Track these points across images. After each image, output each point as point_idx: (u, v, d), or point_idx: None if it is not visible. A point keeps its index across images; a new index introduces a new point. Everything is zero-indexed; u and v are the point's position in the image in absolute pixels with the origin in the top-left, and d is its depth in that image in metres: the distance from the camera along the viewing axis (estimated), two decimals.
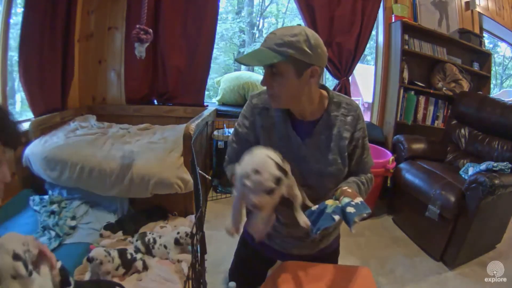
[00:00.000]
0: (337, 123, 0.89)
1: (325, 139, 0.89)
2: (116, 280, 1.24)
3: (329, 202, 0.79)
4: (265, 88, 0.85)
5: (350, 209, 0.73)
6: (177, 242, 1.40)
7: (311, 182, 0.90)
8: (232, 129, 1.01)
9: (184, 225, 1.64)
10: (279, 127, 0.90)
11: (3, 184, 0.67)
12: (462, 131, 2.57)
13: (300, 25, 0.83)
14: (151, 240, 1.44)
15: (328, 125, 0.89)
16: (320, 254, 1.04)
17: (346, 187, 0.84)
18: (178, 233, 1.41)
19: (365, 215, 0.73)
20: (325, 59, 0.82)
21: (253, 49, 0.80)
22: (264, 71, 0.82)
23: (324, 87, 0.93)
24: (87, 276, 1.25)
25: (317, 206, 0.79)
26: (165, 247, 1.42)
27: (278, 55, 0.76)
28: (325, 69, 2.95)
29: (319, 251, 1.03)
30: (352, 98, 3.52)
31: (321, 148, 0.89)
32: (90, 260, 1.22)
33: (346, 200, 0.76)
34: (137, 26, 1.56)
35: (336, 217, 0.72)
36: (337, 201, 0.78)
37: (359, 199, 0.77)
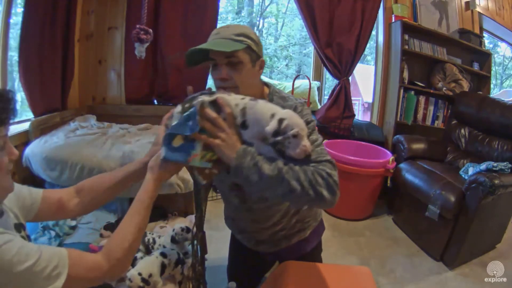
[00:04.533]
0: None
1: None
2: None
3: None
4: None
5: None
6: (173, 240, 1.40)
7: None
8: None
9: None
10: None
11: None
12: (462, 131, 2.57)
13: None
14: (151, 240, 1.44)
15: None
16: (288, 255, 1.02)
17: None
18: (173, 230, 1.41)
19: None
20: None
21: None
22: (218, 66, 0.80)
23: (267, 85, 0.90)
24: None
25: None
26: (164, 247, 1.41)
27: (239, 43, 0.77)
28: (325, 69, 2.95)
29: (287, 251, 1.02)
30: (352, 98, 3.49)
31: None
32: None
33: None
34: (137, 26, 1.56)
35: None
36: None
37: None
